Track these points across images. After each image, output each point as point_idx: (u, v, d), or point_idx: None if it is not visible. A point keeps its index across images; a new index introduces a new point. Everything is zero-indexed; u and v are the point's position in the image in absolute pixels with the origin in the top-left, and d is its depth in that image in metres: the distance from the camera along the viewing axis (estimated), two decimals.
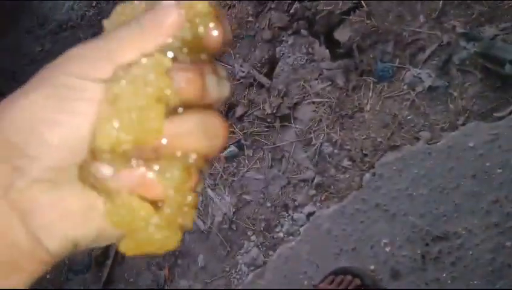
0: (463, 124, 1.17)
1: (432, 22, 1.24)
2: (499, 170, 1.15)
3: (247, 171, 1.23)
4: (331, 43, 1.28)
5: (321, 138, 1.22)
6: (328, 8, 1.29)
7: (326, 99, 1.23)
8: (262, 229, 1.19)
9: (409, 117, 1.20)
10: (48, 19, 1.42)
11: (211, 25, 0.28)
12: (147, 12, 0.29)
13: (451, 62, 1.21)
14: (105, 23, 0.32)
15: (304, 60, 1.27)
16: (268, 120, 1.24)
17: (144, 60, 0.27)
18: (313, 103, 1.24)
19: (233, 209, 1.20)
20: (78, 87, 0.26)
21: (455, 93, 1.19)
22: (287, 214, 1.18)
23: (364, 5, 1.27)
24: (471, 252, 1.12)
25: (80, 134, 0.26)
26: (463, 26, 1.22)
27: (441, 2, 1.23)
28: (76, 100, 0.26)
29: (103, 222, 0.27)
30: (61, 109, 0.26)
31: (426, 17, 1.24)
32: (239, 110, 1.26)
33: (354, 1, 1.28)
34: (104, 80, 0.26)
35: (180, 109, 0.26)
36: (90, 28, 1.35)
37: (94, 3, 1.36)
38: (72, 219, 0.27)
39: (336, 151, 1.21)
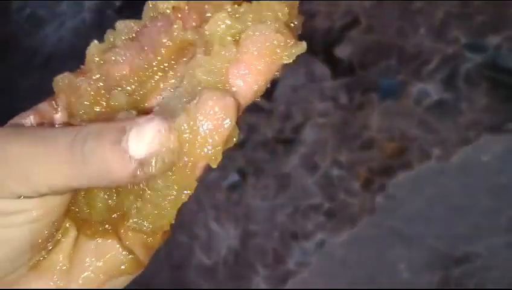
0: (474, 138, 1.14)
1: (434, 34, 1.21)
2: None
3: (251, 200, 1.19)
4: (332, 61, 1.25)
5: (327, 160, 1.18)
6: (326, 25, 1.27)
7: (330, 120, 1.20)
8: (271, 261, 1.14)
9: (418, 134, 1.16)
10: (37, 52, 1.39)
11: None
12: (101, 139, 0.24)
13: (457, 74, 1.18)
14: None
15: (304, 80, 1.24)
16: (271, 145, 1.21)
17: None
18: (317, 124, 1.21)
19: (239, 242, 1.16)
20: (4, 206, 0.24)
21: (464, 106, 1.16)
22: (296, 244, 1.14)
23: (362, 21, 1.25)
24: (494, 272, 1.08)
25: (18, 247, 0.25)
26: (466, 37, 1.20)
27: (442, 14, 1.21)
28: (7, 216, 0.24)
29: None
30: None
31: (428, 30, 1.22)
32: (240, 137, 1.23)
33: (352, 16, 1.25)
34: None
35: None
36: (79, 58, 1.32)
37: (82, 33, 1.34)
38: None
39: (344, 174, 1.17)
